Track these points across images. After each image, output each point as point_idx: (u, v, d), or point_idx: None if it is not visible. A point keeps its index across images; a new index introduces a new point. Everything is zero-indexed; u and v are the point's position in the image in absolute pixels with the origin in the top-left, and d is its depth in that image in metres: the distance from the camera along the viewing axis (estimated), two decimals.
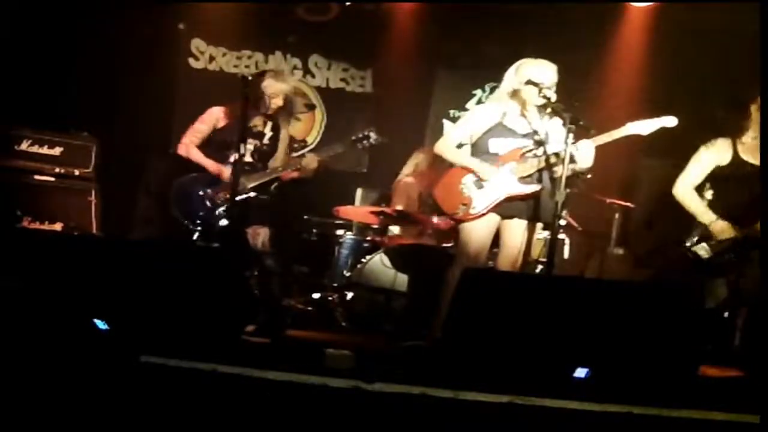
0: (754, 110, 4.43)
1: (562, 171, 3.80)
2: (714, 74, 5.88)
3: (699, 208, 4.51)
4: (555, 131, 4.12)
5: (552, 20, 6.24)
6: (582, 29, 6.34)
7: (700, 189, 4.56)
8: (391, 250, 5.28)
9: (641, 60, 6.48)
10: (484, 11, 6.38)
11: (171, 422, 2.84)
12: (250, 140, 4.67)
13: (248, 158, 4.65)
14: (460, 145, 4.24)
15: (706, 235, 4.49)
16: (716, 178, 4.51)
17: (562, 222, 5.14)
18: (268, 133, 4.77)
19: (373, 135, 4.67)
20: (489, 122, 4.16)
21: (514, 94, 4.13)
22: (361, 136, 4.70)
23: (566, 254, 5.45)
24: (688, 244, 4.54)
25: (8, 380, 2.88)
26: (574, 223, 5.59)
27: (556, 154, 3.98)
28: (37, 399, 2.82)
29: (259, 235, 4.66)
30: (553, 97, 4.00)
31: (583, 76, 6.36)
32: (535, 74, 4.06)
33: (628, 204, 5.97)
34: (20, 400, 2.80)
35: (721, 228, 4.44)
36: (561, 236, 5.29)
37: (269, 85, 4.69)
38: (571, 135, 3.79)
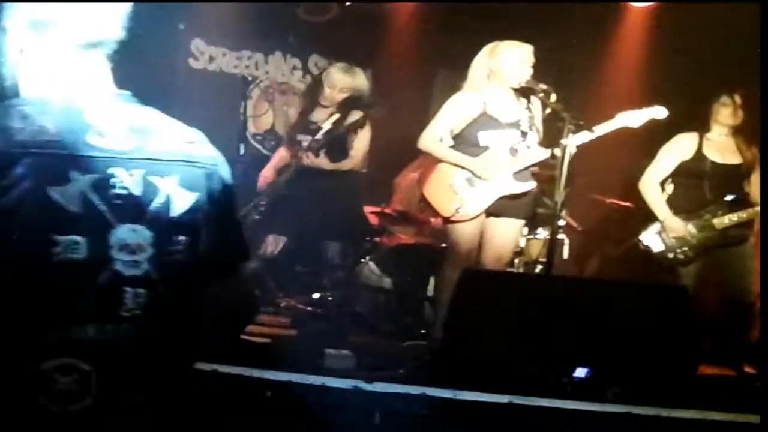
0: (716, 109, 4.49)
1: (557, 170, 3.79)
2: (714, 74, 5.87)
3: (657, 202, 4.56)
4: (536, 116, 4.10)
5: (552, 20, 6.23)
6: (582, 29, 6.34)
7: (662, 183, 4.60)
8: (380, 257, 5.27)
9: (641, 60, 6.47)
10: (485, 11, 6.37)
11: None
12: (303, 136, 4.67)
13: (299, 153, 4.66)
14: (441, 140, 4.13)
15: (662, 230, 4.55)
16: (678, 173, 4.56)
17: (562, 222, 5.13)
18: (326, 127, 4.68)
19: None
20: (471, 113, 4.05)
21: (490, 78, 4.06)
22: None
23: (566, 254, 5.45)
24: (642, 237, 4.58)
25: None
26: (574, 223, 5.59)
27: (553, 155, 3.95)
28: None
29: (271, 244, 4.71)
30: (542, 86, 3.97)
31: (583, 76, 6.36)
32: (512, 55, 4.01)
33: (628, 204, 5.96)
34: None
35: (675, 226, 4.48)
36: (561, 236, 5.28)
37: (329, 75, 4.66)
38: (570, 134, 3.79)
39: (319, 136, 4.65)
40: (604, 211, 6.01)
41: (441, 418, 3.03)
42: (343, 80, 4.67)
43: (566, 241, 5.45)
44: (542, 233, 5.38)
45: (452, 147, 4.12)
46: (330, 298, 5.35)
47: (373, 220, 5.56)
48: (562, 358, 3.30)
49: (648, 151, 5.70)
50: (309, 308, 5.40)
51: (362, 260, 5.31)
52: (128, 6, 1.55)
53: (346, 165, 4.76)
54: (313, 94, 4.72)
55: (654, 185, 4.59)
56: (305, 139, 4.66)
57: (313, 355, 3.55)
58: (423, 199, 4.27)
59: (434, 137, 4.11)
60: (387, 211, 5.47)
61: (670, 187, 4.60)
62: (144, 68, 6.35)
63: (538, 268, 5.37)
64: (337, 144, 4.67)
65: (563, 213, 5.02)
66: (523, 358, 3.27)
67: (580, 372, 3.27)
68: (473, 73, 4.09)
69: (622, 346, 3.28)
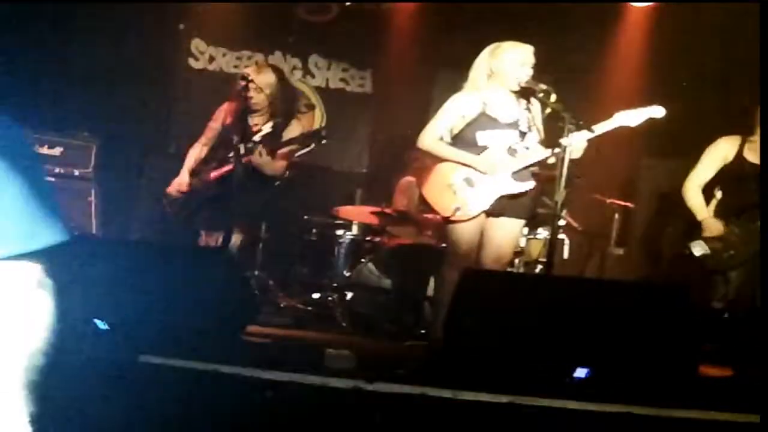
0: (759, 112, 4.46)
1: (558, 171, 3.78)
2: (714, 74, 5.88)
3: (697, 205, 4.54)
4: (535, 116, 4.10)
5: (552, 20, 6.24)
6: (582, 29, 6.35)
7: (710, 188, 4.58)
8: (380, 257, 5.28)
9: (641, 60, 6.48)
10: (485, 11, 6.38)
11: (171, 422, 2.84)
12: (238, 137, 4.58)
13: (230, 155, 4.57)
14: (440, 140, 4.12)
15: (702, 229, 4.52)
16: (723, 177, 4.53)
17: (562, 222, 5.13)
18: (266, 129, 4.66)
19: (323, 132, 4.62)
20: (470, 113, 4.04)
21: (491, 78, 4.06)
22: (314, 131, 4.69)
23: (566, 254, 5.45)
24: (689, 243, 4.56)
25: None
26: (574, 223, 5.59)
27: (553, 153, 3.95)
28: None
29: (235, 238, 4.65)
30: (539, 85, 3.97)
31: (583, 76, 6.36)
32: (512, 56, 4.01)
33: (628, 204, 5.97)
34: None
35: (712, 225, 4.47)
36: (561, 236, 5.29)
37: (252, 78, 4.64)
38: (570, 135, 3.79)
39: (257, 138, 4.63)
40: (604, 211, 6.02)
41: (441, 418, 3.03)
42: (257, 78, 4.64)
43: (566, 241, 5.46)
44: (542, 233, 5.39)
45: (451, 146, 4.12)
46: (330, 298, 5.36)
47: (373, 220, 5.57)
48: (562, 358, 3.30)
49: (649, 151, 5.72)
50: (309, 308, 5.41)
51: (362, 260, 5.32)
52: None
53: (277, 168, 4.69)
54: (244, 98, 4.69)
55: (695, 189, 4.56)
56: (241, 144, 4.63)
57: (313, 355, 3.55)
58: (422, 200, 4.27)
59: (434, 136, 4.11)
60: (387, 211, 5.48)
61: (719, 193, 4.55)
62: (144, 68, 6.37)
63: (538, 268, 5.38)
64: (274, 149, 4.61)
65: (563, 213, 5.02)
66: (523, 358, 3.27)
67: (580, 372, 3.27)
68: (474, 74, 4.10)
69: (623, 346, 3.28)
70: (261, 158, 4.49)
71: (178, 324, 3.29)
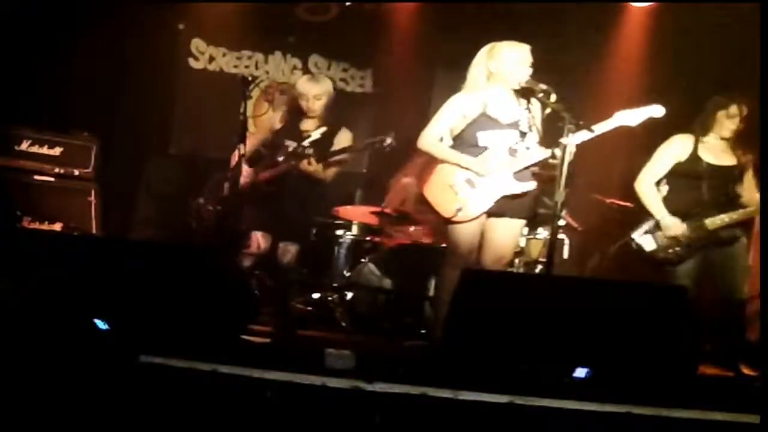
0: (720, 117, 4.51)
1: (557, 170, 3.78)
2: (714, 75, 5.88)
3: (654, 202, 4.60)
4: (535, 116, 4.10)
5: (552, 20, 6.24)
6: (582, 29, 6.34)
7: (657, 183, 4.65)
8: (380, 257, 5.28)
9: (641, 60, 6.48)
10: (484, 11, 6.38)
11: (171, 422, 2.85)
12: (290, 141, 4.68)
13: (280, 157, 4.66)
14: (440, 140, 4.13)
15: (654, 229, 4.59)
16: (673, 174, 4.59)
17: (562, 222, 5.13)
18: (315, 136, 4.69)
19: (388, 139, 4.61)
20: (471, 113, 4.05)
21: (490, 79, 4.07)
22: (377, 140, 4.65)
23: (566, 254, 5.45)
24: (633, 236, 4.61)
25: (8, 381, 2.88)
26: (574, 223, 5.59)
27: (553, 155, 3.95)
28: (36, 399, 2.82)
29: (289, 252, 4.68)
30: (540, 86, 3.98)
31: (583, 76, 6.36)
32: (510, 56, 4.02)
33: (628, 204, 5.96)
34: (20, 401, 2.80)
35: (672, 224, 4.52)
36: (561, 236, 5.29)
37: (298, 89, 4.70)
38: (570, 134, 3.79)
39: (306, 143, 4.67)
40: (604, 211, 6.02)
41: (441, 418, 3.03)
42: (313, 89, 4.70)
43: (566, 241, 5.46)
44: (542, 233, 5.39)
45: (452, 147, 4.11)
46: (330, 298, 5.36)
47: (373, 220, 5.57)
48: (562, 358, 3.30)
49: (648, 151, 5.71)
50: (309, 308, 5.41)
51: (362, 260, 5.32)
52: None
53: (328, 176, 4.74)
54: (294, 107, 4.76)
55: (650, 185, 4.63)
56: (291, 145, 4.68)
57: (313, 355, 3.55)
58: (423, 200, 4.27)
59: (434, 137, 4.11)
60: (387, 211, 5.48)
61: (665, 188, 4.63)
62: (144, 68, 6.38)
63: (538, 268, 5.38)
64: (322, 154, 4.66)
65: (563, 213, 5.02)
66: (524, 358, 3.27)
67: (580, 372, 3.27)
68: (472, 75, 4.10)
69: (622, 346, 3.28)
70: (310, 166, 4.56)
71: (178, 324, 3.29)
